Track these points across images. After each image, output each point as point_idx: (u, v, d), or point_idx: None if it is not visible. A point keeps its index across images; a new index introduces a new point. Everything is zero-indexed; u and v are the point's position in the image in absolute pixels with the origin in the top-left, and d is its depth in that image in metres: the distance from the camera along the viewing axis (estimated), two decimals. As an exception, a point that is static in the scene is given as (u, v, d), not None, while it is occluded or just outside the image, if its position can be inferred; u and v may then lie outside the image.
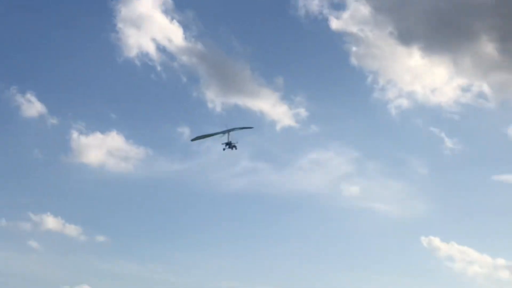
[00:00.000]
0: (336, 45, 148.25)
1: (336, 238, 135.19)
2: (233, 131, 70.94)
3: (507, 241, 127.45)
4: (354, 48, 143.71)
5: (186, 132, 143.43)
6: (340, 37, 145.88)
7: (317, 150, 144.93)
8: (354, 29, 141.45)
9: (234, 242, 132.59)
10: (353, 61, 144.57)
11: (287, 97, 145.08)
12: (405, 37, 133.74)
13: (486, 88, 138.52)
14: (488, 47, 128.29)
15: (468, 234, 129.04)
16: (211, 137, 72.85)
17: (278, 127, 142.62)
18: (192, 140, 74.98)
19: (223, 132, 71.19)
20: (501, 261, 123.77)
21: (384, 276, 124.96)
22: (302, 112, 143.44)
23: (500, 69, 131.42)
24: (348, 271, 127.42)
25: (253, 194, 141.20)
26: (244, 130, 72.51)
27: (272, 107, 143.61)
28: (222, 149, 72.19)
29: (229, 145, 71.52)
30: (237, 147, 72.10)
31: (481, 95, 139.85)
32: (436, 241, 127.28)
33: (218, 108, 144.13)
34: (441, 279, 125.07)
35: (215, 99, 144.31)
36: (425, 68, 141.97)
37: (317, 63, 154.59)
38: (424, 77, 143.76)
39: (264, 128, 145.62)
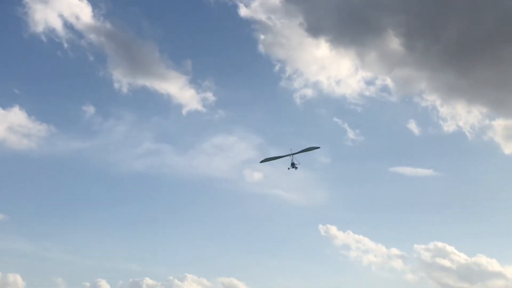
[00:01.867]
0: (244, 32, 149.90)
1: (237, 223, 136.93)
2: (298, 154, 78.60)
3: (401, 231, 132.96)
4: (262, 36, 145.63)
5: (90, 110, 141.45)
6: (248, 24, 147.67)
7: (221, 135, 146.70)
8: (262, 17, 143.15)
9: (132, 223, 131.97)
10: (261, 49, 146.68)
11: (194, 81, 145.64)
12: (314, 29, 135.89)
13: (389, 83, 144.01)
14: (394, 43, 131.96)
15: (364, 224, 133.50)
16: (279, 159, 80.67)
17: (184, 111, 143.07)
18: (261, 162, 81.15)
19: (289, 155, 78.86)
20: (395, 251, 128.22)
21: (282, 262, 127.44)
22: (210, 96, 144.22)
23: (404, 64, 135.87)
24: (247, 256, 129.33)
25: (155, 176, 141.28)
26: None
27: (179, 90, 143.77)
28: (287, 168, 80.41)
29: (293, 165, 79.92)
30: (297, 167, 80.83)
31: (384, 89, 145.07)
32: (333, 229, 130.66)
33: (125, 89, 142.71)
34: (337, 267, 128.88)
35: (122, 79, 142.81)
36: (332, 60, 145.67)
37: (225, 49, 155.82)
38: (330, 68, 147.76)
39: (170, 111, 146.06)
